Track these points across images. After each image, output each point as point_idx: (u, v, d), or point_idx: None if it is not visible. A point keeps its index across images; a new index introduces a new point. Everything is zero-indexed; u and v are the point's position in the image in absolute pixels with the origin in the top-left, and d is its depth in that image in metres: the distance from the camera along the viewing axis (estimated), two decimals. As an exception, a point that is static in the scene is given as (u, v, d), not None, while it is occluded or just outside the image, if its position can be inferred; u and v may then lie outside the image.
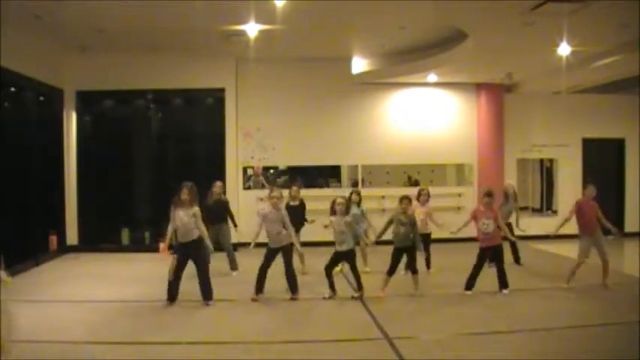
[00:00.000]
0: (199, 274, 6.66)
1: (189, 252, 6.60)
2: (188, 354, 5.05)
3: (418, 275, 7.07)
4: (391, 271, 6.96)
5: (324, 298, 6.86)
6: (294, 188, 8.69)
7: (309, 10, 7.78)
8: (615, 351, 4.98)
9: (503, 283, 7.12)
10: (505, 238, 7.44)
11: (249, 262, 8.49)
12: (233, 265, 8.48)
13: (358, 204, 8.27)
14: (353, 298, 6.88)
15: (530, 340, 5.32)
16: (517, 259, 9.06)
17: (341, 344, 5.26)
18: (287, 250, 6.88)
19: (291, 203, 8.46)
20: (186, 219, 6.54)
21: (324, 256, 7.06)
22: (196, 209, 6.63)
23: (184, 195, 6.58)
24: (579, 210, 7.40)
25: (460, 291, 7.08)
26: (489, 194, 7.23)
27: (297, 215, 8.34)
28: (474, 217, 7.19)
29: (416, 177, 12.64)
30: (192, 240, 6.58)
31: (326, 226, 7.18)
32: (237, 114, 11.24)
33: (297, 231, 8.44)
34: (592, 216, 7.34)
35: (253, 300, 6.77)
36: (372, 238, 7.66)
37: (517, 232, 8.94)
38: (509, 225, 9.02)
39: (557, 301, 6.84)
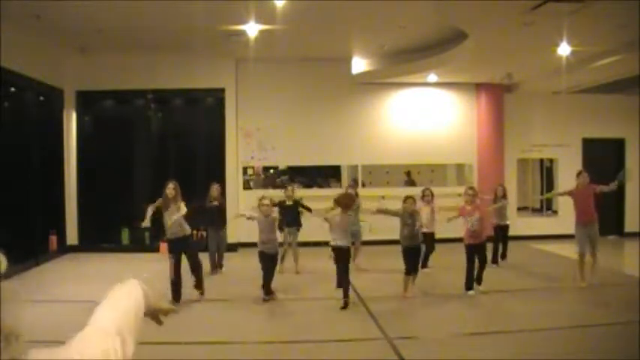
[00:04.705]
0: (192, 266, 6.75)
1: (181, 247, 6.69)
2: (188, 354, 5.05)
3: (416, 276, 7.06)
4: (409, 270, 6.95)
5: (342, 308, 6.40)
6: (290, 188, 8.81)
7: (309, 10, 7.77)
8: (615, 351, 4.98)
9: (479, 280, 7.10)
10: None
11: (242, 262, 8.57)
12: (220, 263, 8.65)
13: None
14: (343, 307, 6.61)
15: (530, 340, 5.32)
16: (495, 260, 8.90)
17: (341, 344, 5.26)
18: (274, 259, 6.91)
19: (287, 203, 8.56)
20: (175, 215, 6.62)
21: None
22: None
23: (170, 190, 6.67)
24: (573, 198, 7.41)
25: (460, 291, 7.08)
26: (472, 188, 7.41)
27: (293, 214, 8.48)
28: (462, 214, 7.12)
29: (411, 177, 12.56)
30: (182, 235, 6.71)
31: (326, 219, 6.82)
32: (237, 114, 11.23)
33: (297, 230, 8.54)
34: (586, 205, 7.31)
35: (265, 301, 6.75)
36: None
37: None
38: (505, 227, 9.06)
39: (556, 301, 6.84)
